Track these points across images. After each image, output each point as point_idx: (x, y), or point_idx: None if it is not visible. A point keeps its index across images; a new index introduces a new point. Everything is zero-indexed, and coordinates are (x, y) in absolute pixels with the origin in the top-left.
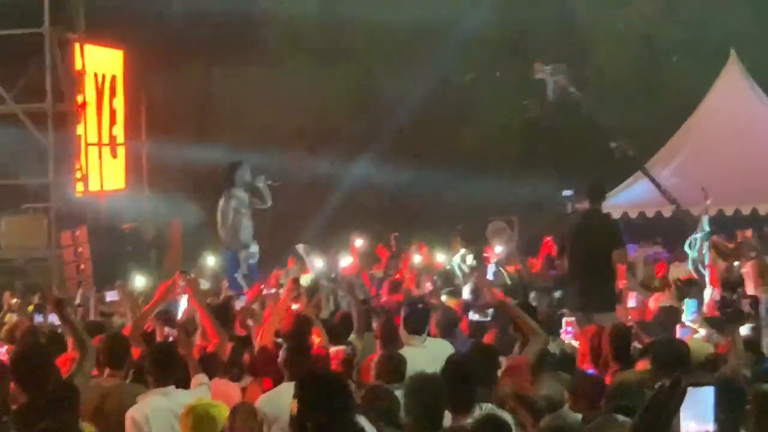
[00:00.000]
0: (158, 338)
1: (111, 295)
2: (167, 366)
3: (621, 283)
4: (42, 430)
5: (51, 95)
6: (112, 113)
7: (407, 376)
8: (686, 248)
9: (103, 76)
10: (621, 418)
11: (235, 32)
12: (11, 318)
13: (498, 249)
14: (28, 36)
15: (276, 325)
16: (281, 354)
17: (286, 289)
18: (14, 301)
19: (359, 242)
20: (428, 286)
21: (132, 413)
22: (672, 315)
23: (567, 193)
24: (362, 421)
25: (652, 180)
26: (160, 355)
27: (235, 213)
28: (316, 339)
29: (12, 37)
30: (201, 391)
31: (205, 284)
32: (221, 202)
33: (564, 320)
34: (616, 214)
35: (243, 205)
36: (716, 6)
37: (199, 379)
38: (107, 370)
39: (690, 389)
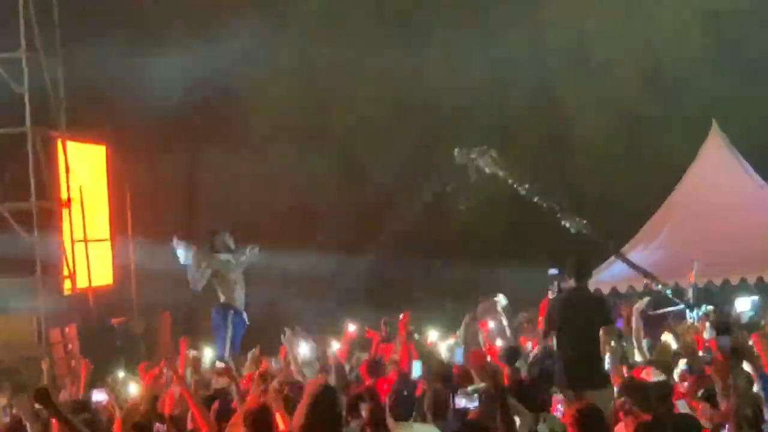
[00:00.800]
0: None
1: (97, 394)
2: None
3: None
4: None
5: (35, 193)
6: (97, 209)
7: None
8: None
9: (87, 172)
10: None
11: (217, 117)
12: None
13: (491, 325)
14: (10, 135)
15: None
16: None
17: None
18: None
19: (352, 327)
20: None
21: None
22: (665, 389)
23: (553, 271)
24: None
25: (630, 263)
26: None
27: (222, 276)
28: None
29: None
30: None
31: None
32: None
33: (553, 398)
34: (604, 290)
35: (230, 267)
36: (697, 75)
37: None
38: None
39: None
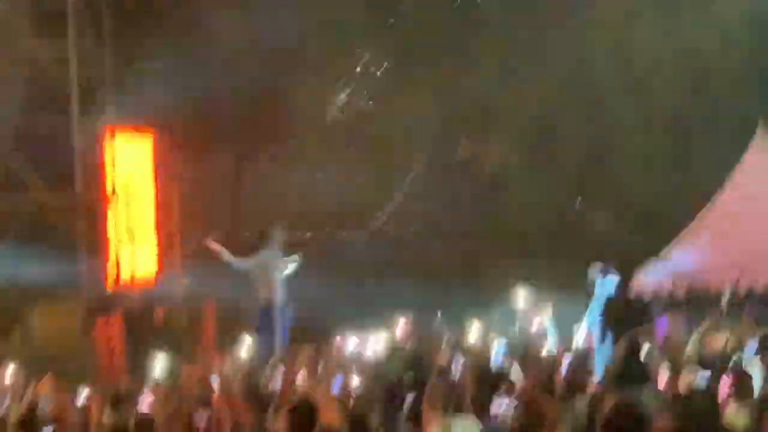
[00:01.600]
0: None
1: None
2: None
3: None
4: None
5: (81, 184)
6: (144, 200)
7: None
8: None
9: (134, 164)
10: None
11: (265, 124)
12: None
13: (536, 325)
14: (56, 125)
15: None
16: None
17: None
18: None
19: (402, 321)
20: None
21: None
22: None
23: (595, 271)
24: None
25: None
26: None
27: (264, 272)
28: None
29: (41, 126)
30: None
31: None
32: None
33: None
34: (646, 292)
35: (274, 266)
36: (743, 78)
37: None
38: None
39: None
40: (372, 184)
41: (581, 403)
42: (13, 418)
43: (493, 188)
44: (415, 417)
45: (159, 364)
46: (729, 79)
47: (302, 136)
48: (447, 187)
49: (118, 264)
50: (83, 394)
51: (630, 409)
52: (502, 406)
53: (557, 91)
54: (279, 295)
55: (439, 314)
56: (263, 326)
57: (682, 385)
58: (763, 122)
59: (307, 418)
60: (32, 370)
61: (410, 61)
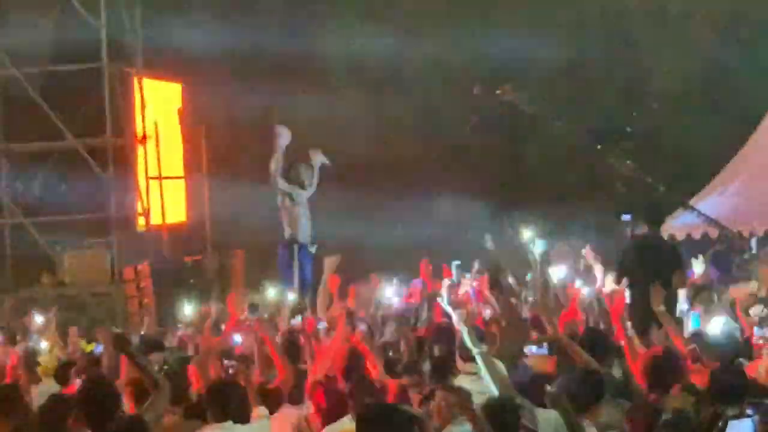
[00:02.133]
0: (216, 371)
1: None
2: (225, 401)
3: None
4: None
5: (110, 130)
6: (172, 146)
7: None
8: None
9: (163, 109)
10: None
11: (295, 64)
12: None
13: (562, 273)
14: (86, 71)
15: (330, 360)
16: (347, 387)
17: (340, 324)
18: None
19: (429, 268)
20: (488, 312)
21: None
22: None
23: (626, 217)
24: None
25: (698, 213)
26: (219, 390)
27: (289, 209)
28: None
29: (71, 73)
30: (260, 425)
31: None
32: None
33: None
34: (678, 236)
35: (298, 202)
36: None
37: (259, 411)
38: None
39: (730, 422)
40: (404, 125)
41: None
42: (44, 364)
43: (523, 137)
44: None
45: (188, 309)
46: (764, 22)
47: (333, 79)
48: (477, 137)
49: (148, 208)
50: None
51: (667, 352)
52: (531, 350)
53: (590, 36)
54: (303, 232)
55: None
56: (283, 263)
57: (711, 328)
58: None
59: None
60: (62, 315)
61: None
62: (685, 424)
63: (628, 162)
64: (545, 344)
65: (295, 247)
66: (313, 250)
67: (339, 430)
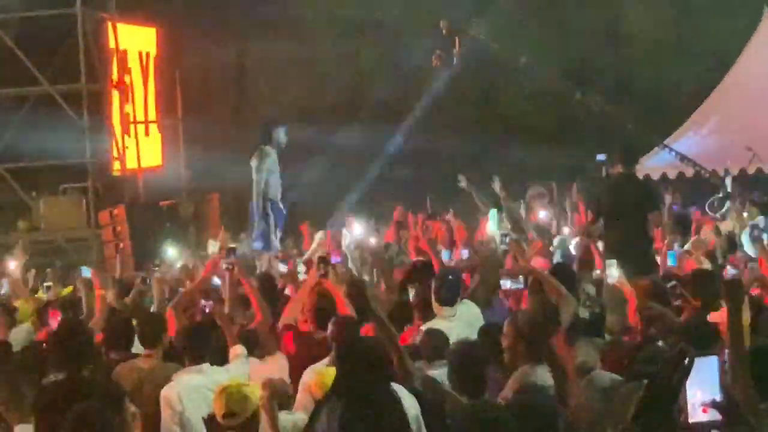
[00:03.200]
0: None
1: (84, 271)
2: (201, 344)
3: (658, 246)
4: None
5: (85, 75)
6: (147, 91)
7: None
8: (707, 209)
9: (137, 55)
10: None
11: (268, 7)
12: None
13: (542, 214)
14: (60, 17)
15: (300, 304)
16: (330, 328)
17: (311, 270)
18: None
19: (400, 211)
20: (465, 253)
21: (165, 392)
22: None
23: (601, 157)
24: (400, 390)
25: (675, 152)
26: (195, 332)
27: (267, 171)
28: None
29: (45, 19)
30: (238, 364)
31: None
32: (254, 160)
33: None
34: (654, 176)
35: (274, 164)
36: None
37: (237, 350)
38: (145, 350)
39: (696, 359)
40: (377, 69)
41: (589, 284)
42: (22, 308)
43: (497, 79)
44: (423, 304)
45: (166, 254)
46: None
47: (307, 23)
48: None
49: (123, 153)
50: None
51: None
52: (507, 284)
53: None
54: (273, 186)
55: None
56: (256, 218)
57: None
58: None
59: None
60: (38, 260)
61: None
62: (660, 359)
63: (598, 98)
64: (521, 278)
65: (268, 203)
66: (283, 206)
67: (317, 374)
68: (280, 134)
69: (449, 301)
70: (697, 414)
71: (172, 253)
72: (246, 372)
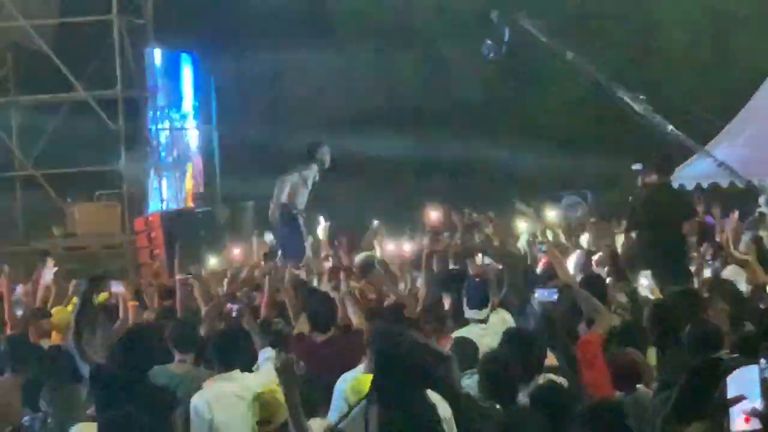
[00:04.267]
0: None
1: (114, 285)
2: (230, 350)
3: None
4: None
5: (120, 81)
6: (182, 98)
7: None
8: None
9: (173, 61)
10: None
11: (303, 15)
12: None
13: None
14: (96, 23)
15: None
16: (369, 333)
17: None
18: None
19: (435, 214)
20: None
21: (195, 400)
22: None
23: (637, 166)
24: (432, 395)
25: (715, 159)
26: (223, 339)
27: (302, 188)
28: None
29: (81, 25)
30: (266, 369)
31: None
32: (294, 176)
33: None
34: (688, 186)
35: (312, 183)
36: None
37: (266, 353)
38: (177, 355)
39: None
40: (412, 77)
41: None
42: (59, 315)
43: (533, 84)
44: (456, 312)
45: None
46: None
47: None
48: (486, 82)
49: (158, 161)
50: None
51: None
52: (543, 294)
53: None
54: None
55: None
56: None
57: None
58: None
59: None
60: (72, 266)
61: None
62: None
63: (641, 97)
64: (555, 289)
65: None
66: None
67: (354, 379)
68: (324, 153)
69: (477, 304)
70: (739, 422)
71: (212, 261)
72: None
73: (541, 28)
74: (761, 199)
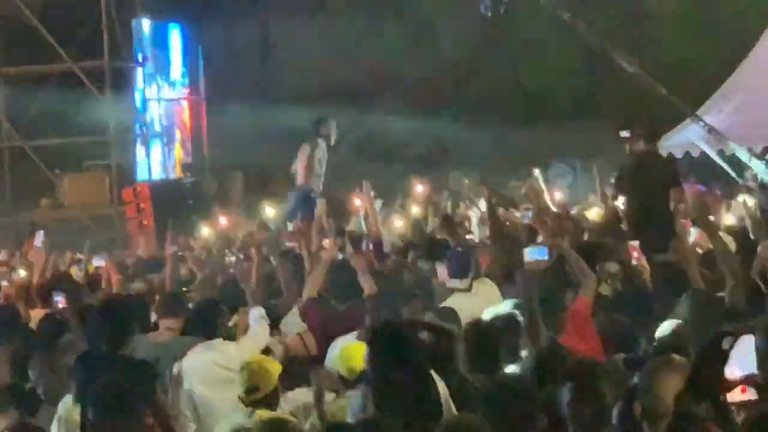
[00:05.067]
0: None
1: (97, 260)
2: (211, 320)
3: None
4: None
5: (107, 52)
6: (170, 68)
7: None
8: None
9: (160, 30)
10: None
11: None
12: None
13: (558, 195)
14: None
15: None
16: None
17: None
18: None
19: (420, 188)
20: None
21: (174, 369)
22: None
23: (624, 134)
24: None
25: (705, 124)
26: (204, 309)
27: (317, 161)
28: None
29: None
30: (252, 335)
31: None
32: (306, 147)
33: (629, 245)
34: (677, 154)
35: (323, 158)
36: None
37: (256, 312)
38: (163, 324)
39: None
40: (405, 48)
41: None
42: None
43: (524, 51)
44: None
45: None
46: None
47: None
48: (477, 51)
49: (146, 131)
50: (101, 260)
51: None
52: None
53: None
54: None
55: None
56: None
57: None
58: None
59: None
60: (61, 238)
61: None
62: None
63: (632, 59)
64: (545, 248)
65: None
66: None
67: (345, 347)
68: (331, 127)
69: (458, 273)
70: (735, 393)
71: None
72: (265, 336)
73: None
74: (747, 174)
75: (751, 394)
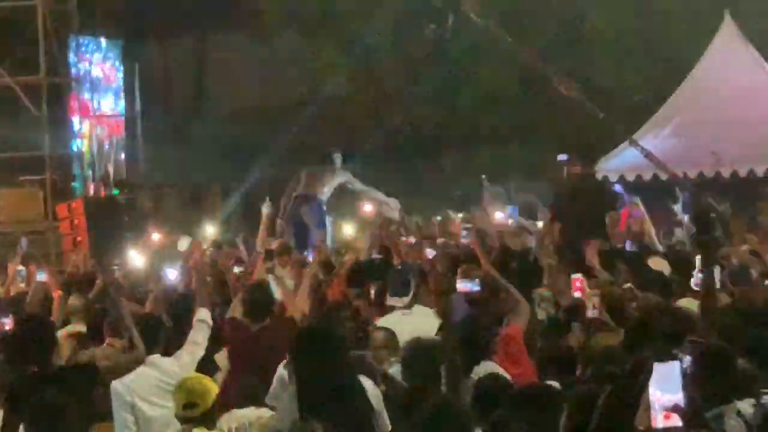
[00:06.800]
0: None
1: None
2: (151, 336)
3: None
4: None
5: (44, 67)
6: (106, 84)
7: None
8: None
9: (97, 47)
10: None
11: (228, 2)
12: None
13: (499, 216)
14: (20, 9)
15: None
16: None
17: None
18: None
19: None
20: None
21: (115, 384)
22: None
23: (562, 157)
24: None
25: (642, 149)
26: (145, 325)
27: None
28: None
29: (4, 10)
30: (191, 341)
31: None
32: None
33: (572, 278)
34: (612, 177)
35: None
36: None
37: (202, 313)
38: (108, 340)
39: (656, 365)
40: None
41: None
42: None
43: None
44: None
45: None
46: None
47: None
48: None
49: (81, 148)
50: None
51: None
52: (466, 285)
53: None
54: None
55: None
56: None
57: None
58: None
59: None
60: None
61: None
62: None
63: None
64: (476, 280)
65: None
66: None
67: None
68: (337, 159)
69: (399, 291)
70: (659, 419)
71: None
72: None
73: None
74: (676, 207)
75: (675, 421)
